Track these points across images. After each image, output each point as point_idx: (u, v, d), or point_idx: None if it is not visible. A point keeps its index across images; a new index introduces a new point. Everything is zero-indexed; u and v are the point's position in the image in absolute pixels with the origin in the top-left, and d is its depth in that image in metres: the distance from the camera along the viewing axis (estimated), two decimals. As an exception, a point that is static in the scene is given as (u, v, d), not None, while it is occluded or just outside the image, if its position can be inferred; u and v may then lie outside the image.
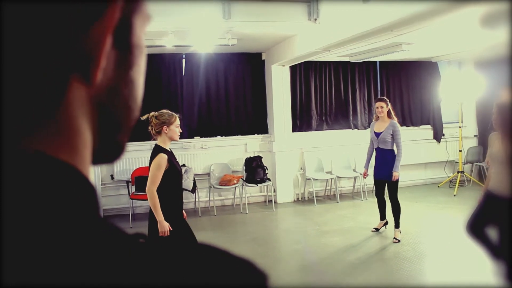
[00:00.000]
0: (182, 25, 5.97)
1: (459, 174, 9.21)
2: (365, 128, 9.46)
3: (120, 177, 7.98)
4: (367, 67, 9.62)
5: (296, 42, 7.06)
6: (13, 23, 0.35)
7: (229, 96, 8.71)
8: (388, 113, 6.12)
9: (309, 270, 5.20)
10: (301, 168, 9.09)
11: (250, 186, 8.25)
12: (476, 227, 4.29)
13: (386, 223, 6.44)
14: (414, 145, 9.39)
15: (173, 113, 4.11)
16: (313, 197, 8.71)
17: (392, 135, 6.05)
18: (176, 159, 4.09)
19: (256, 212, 8.11)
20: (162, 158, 3.84)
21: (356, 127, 9.52)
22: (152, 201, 3.79)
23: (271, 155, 8.78)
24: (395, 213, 6.07)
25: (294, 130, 9.02)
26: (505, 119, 4.02)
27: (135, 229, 4.42)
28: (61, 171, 0.38)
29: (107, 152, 0.50)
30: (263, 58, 8.90)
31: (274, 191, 8.69)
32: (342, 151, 9.10)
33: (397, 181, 6.02)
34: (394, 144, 6.07)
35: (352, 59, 8.69)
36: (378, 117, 6.22)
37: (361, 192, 8.79)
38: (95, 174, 7.52)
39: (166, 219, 3.81)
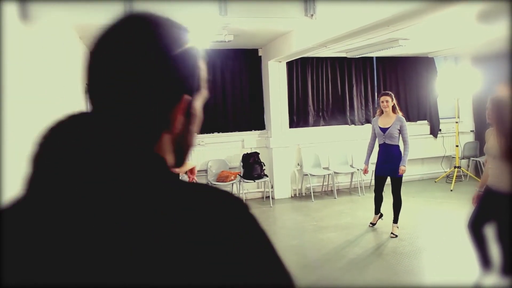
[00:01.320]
0: (178, 21, 5.95)
1: (456, 169, 9.23)
2: (362, 124, 9.48)
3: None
4: (364, 62, 9.62)
5: (292, 38, 7.06)
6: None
7: (226, 92, 8.70)
8: (393, 107, 6.08)
9: (307, 266, 5.21)
10: (298, 164, 9.10)
11: (247, 182, 8.26)
12: (476, 225, 4.31)
13: (381, 215, 6.49)
14: (411, 140, 9.27)
15: None
16: (310, 192, 8.72)
17: (399, 130, 6.02)
18: None
19: (253, 208, 7.87)
20: None
21: (353, 122, 9.53)
22: None
23: (268, 151, 8.78)
24: (396, 208, 6.08)
25: (291, 126, 9.02)
26: (500, 114, 4.03)
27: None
28: (164, 163, 0.77)
29: (177, 164, 0.87)
30: (260, 54, 8.89)
31: (272, 187, 8.70)
32: (339, 147, 9.11)
33: (401, 176, 6.01)
34: (399, 139, 6.05)
35: (349, 55, 8.69)
36: (382, 112, 6.15)
37: (358, 187, 8.80)
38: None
39: None
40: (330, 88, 9.39)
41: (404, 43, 7.12)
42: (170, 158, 0.83)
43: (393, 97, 6.13)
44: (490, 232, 4.21)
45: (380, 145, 6.18)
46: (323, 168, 9.00)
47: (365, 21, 4.89)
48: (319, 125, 9.30)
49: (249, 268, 0.73)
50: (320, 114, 9.34)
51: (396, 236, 5.98)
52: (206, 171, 8.41)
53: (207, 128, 8.57)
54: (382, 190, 6.31)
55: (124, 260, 0.65)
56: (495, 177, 4.13)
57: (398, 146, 6.06)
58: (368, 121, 9.64)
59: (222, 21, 5.97)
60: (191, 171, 4.13)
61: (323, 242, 6.02)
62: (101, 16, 5.48)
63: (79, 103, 6.28)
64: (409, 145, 6.03)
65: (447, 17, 5.21)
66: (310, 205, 8.24)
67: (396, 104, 6.13)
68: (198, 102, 0.89)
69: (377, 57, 9.65)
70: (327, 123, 9.30)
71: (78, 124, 0.84)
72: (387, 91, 6.45)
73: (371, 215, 6.67)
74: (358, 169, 8.71)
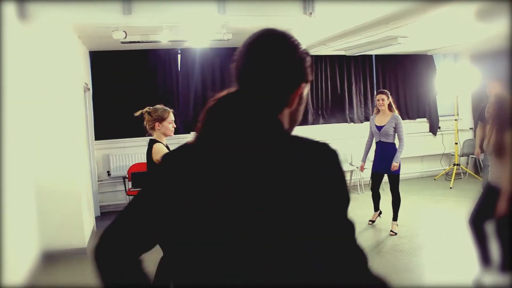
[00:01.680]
0: (177, 20, 5.95)
1: (455, 166, 9.24)
2: (361, 122, 9.47)
3: (116, 174, 7.97)
4: (363, 60, 9.61)
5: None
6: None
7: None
8: (389, 106, 6.08)
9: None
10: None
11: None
12: (477, 221, 4.31)
13: (380, 212, 6.53)
14: (410, 138, 9.37)
15: (167, 108, 4.11)
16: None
17: (394, 128, 6.04)
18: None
19: None
20: (159, 145, 3.89)
21: (352, 120, 9.53)
22: None
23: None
24: (395, 205, 6.10)
25: (290, 124, 9.00)
26: (502, 111, 4.03)
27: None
28: (282, 126, 1.25)
29: (289, 131, 1.29)
30: (259, 52, 8.86)
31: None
32: (339, 145, 8.97)
33: (398, 173, 6.03)
34: (395, 137, 6.07)
35: (348, 53, 8.69)
36: (379, 110, 6.16)
37: (358, 185, 8.80)
38: (91, 170, 7.51)
39: None
40: (329, 86, 9.38)
41: (403, 40, 7.12)
42: (285, 125, 1.28)
43: (389, 95, 6.12)
44: (490, 229, 4.21)
45: (376, 143, 6.21)
46: (323, 166, 8.98)
47: (364, 19, 4.90)
48: (318, 123, 9.30)
49: (327, 198, 1.18)
50: (319, 112, 9.34)
51: (396, 233, 5.98)
52: (205, 169, 8.39)
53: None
54: (378, 187, 6.35)
55: (280, 177, 1.14)
56: (493, 174, 4.14)
57: (394, 144, 6.08)
58: (367, 119, 9.63)
59: (221, 20, 5.97)
60: None
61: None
62: (99, 15, 5.48)
63: (77, 100, 6.28)
64: (404, 143, 6.02)
65: (446, 15, 5.21)
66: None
67: (392, 102, 6.12)
68: (306, 90, 1.30)
69: (376, 55, 9.65)
70: (326, 121, 9.30)
71: (234, 98, 1.30)
72: (382, 90, 6.46)
73: (370, 212, 6.67)
74: (357, 167, 8.71)
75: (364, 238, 5.92)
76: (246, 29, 7.07)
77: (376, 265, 4.88)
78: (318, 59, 9.21)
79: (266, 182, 1.14)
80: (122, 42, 6.72)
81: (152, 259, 1.77)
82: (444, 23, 6.29)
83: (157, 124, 4.00)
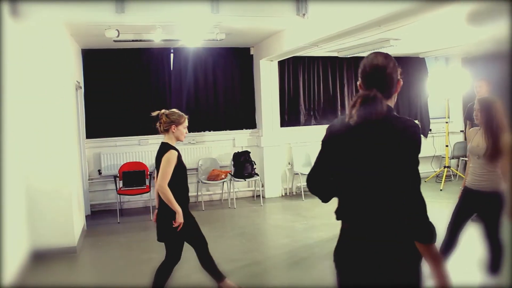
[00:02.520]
0: (170, 20, 5.94)
1: (446, 169, 9.29)
2: (353, 123, 9.49)
3: (107, 172, 7.94)
4: (356, 62, 9.62)
5: (284, 37, 7.06)
6: None
7: (218, 91, 8.69)
8: None
9: (297, 264, 5.22)
10: (289, 163, 9.11)
11: (238, 181, 8.26)
12: (455, 225, 4.33)
13: None
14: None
15: (183, 114, 4.17)
16: (301, 192, 8.74)
17: None
18: (181, 156, 4.09)
19: (244, 207, 8.12)
20: (172, 154, 3.92)
21: (344, 122, 9.55)
22: (166, 195, 3.86)
23: (259, 150, 8.79)
24: None
25: (282, 125, 9.03)
26: (488, 115, 4.05)
27: (122, 225, 4.43)
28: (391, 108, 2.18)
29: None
30: (252, 53, 8.88)
31: (262, 186, 8.71)
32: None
33: None
34: None
35: (341, 55, 8.71)
36: None
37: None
38: (82, 169, 7.48)
39: (174, 214, 3.90)
40: (321, 87, 9.40)
41: (395, 43, 7.14)
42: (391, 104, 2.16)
43: None
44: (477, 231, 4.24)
45: None
46: (314, 167, 9.01)
47: (356, 21, 4.90)
48: (310, 124, 9.31)
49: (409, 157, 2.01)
50: (312, 113, 9.35)
51: None
52: (196, 169, 8.40)
53: (199, 126, 8.56)
54: None
55: (391, 138, 2.04)
56: (477, 176, 4.13)
57: None
58: (359, 120, 9.65)
59: (214, 20, 5.97)
60: None
61: (314, 241, 6.03)
62: (92, 14, 5.46)
63: (68, 98, 6.25)
64: None
65: (438, 18, 5.24)
66: (301, 204, 8.25)
67: None
68: (400, 84, 2.20)
69: (368, 57, 9.67)
70: (318, 122, 9.32)
71: (369, 94, 2.08)
72: None
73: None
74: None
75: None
76: (239, 29, 7.13)
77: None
78: (310, 60, 9.22)
79: (385, 140, 2.04)
80: (115, 41, 6.70)
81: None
82: (436, 26, 6.32)
83: (173, 126, 4.03)
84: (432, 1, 4.01)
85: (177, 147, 4.03)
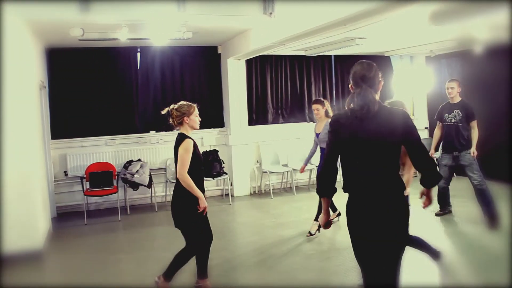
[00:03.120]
0: (136, 18, 5.89)
1: (411, 165, 9.44)
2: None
3: (74, 173, 7.82)
4: (322, 61, 9.74)
5: (251, 36, 7.08)
6: None
7: (185, 89, 8.65)
8: (326, 112, 6.03)
9: (266, 261, 5.25)
10: (257, 161, 9.14)
11: (206, 180, 8.22)
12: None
13: (339, 214, 6.28)
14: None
15: (191, 103, 4.34)
16: (269, 190, 8.79)
17: None
18: (197, 146, 4.24)
19: (213, 205, 8.11)
20: (188, 142, 4.09)
21: (311, 120, 9.62)
22: (187, 182, 4.00)
23: (227, 149, 8.79)
24: (332, 207, 6.16)
25: (250, 123, 9.05)
26: None
27: (89, 226, 4.39)
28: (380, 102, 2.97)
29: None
30: (219, 51, 8.87)
31: (231, 185, 8.71)
32: (298, 144, 9.17)
33: None
34: None
35: (308, 53, 8.77)
36: None
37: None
38: (48, 170, 7.34)
39: (191, 203, 4.03)
40: (289, 85, 9.46)
41: (361, 42, 7.23)
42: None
43: (324, 103, 6.05)
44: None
45: (320, 149, 6.10)
46: (282, 165, 9.08)
47: (322, 20, 4.96)
48: (278, 123, 9.36)
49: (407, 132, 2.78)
50: (279, 111, 9.41)
51: (312, 234, 6.02)
52: (165, 169, 8.35)
53: (165, 126, 8.47)
54: None
55: (385, 124, 2.76)
56: None
57: None
58: (326, 118, 9.75)
59: (180, 18, 5.94)
60: None
61: (282, 238, 6.07)
62: (55, 12, 5.35)
63: (30, 98, 6.13)
64: None
65: (402, 17, 5.34)
66: (269, 202, 8.29)
67: (329, 109, 6.09)
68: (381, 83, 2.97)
69: (335, 56, 9.79)
70: (286, 121, 9.38)
71: (363, 91, 2.82)
72: (317, 99, 6.28)
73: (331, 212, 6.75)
74: (316, 166, 8.82)
75: (322, 236, 5.99)
76: (206, 28, 7.11)
77: (334, 262, 4.96)
78: (278, 59, 9.28)
79: (380, 127, 2.72)
80: (80, 40, 6.60)
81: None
82: (401, 25, 6.43)
83: (185, 118, 4.23)
84: (395, 1, 4.09)
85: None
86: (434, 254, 4.53)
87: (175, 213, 4.18)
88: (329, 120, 5.65)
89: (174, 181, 7.92)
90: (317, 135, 6.14)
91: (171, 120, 4.29)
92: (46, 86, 7.59)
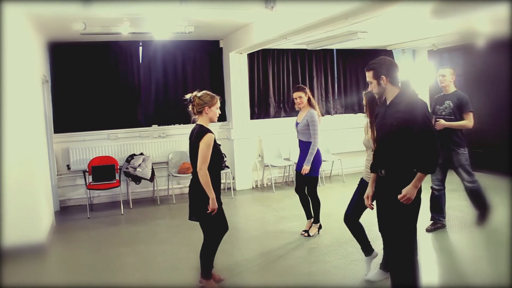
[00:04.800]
0: (137, 12, 5.89)
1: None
2: (323, 115, 9.49)
3: (76, 167, 7.84)
4: (324, 55, 9.72)
5: (253, 30, 7.07)
6: None
7: (187, 83, 8.65)
8: (309, 101, 5.71)
9: (268, 255, 5.27)
10: (259, 155, 9.15)
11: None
12: (351, 218, 4.44)
13: (320, 227, 5.92)
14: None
15: (214, 95, 4.18)
16: (271, 183, 8.80)
17: (308, 125, 5.61)
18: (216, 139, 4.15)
19: None
20: (211, 137, 3.99)
21: (313, 114, 9.64)
22: (205, 179, 3.95)
23: (229, 143, 8.80)
24: (314, 208, 5.82)
25: (252, 117, 9.06)
26: (372, 108, 4.04)
27: (92, 220, 4.41)
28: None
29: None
30: (221, 45, 8.87)
31: (233, 178, 8.73)
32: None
33: (315, 176, 5.71)
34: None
35: (309, 47, 8.77)
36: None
37: (319, 178, 8.91)
38: (50, 164, 7.37)
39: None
40: (291, 79, 9.46)
41: (363, 35, 7.23)
42: None
43: (306, 90, 5.72)
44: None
45: (299, 141, 5.85)
46: (284, 159, 9.09)
47: (324, 14, 4.95)
48: (280, 117, 9.36)
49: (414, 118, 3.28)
50: (281, 105, 9.41)
51: (309, 235, 5.81)
52: (167, 163, 8.37)
53: (168, 119, 8.53)
54: (301, 188, 5.84)
55: (400, 111, 3.36)
56: (368, 168, 4.11)
57: (308, 143, 5.64)
58: (328, 112, 9.77)
59: (182, 12, 5.93)
60: None
61: (284, 232, 6.09)
62: (57, 6, 5.35)
63: (33, 92, 6.15)
64: (317, 143, 5.58)
65: (404, 11, 5.33)
66: (272, 195, 8.31)
67: (311, 97, 5.77)
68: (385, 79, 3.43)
69: (337, 50, 9.77)
70: (288, 115, 9.37)
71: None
72: (298, 86, 5.90)
73: (331, 204, 6.77)
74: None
75: (324, 229, 5.99)
76: (208, 22, 7.10)
77: (336, 255, 4.96)
78: (280, 52, 9.27)
79: (396, 113, 3.33)
80: (82, 34, 6.60)
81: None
82: (403, 19, 6.42)
83: (206, 108, 4.09)
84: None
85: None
86: (367, 249, 4.50)
87: (194, 205, 4.15)
88: (312, 109, 5.63)
89: (177, 175, 8.02)
90: (296, 124, 5.84)
91: (191, 107, 4.13)
92: (48, 81, 7.60)
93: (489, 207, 5.72)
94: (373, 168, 3.62)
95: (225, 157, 8.43)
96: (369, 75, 3.48)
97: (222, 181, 8.74)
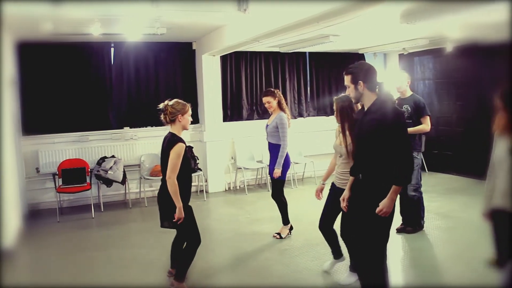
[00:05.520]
0: (108, 12, 5.82)
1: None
2: (295, 118, 9.63)
3: (46, 170, 7.71)
4: (297, 57, 9.79)
5: (226, 32, 7.07)
6: None
7: (159, 86, 8.60)
8: (279, 104, 5.80)
9: (240, 257, 5.27)
10: (232, 158, 9.15)
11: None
12: (326, 224, 4.50)
13: (291, 228, 6.01)
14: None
15: (186, 103, 4.25)
16: (244, 186, 8.81)
17: (277, 128, 5.69)
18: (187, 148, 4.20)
19: None
20: (181, 147, 4.04)
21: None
22: (173, 188, 3.99)
23: (202, 145, 8.77)
24: (282, 210, 5.89)
25: (225, 119, 9.05)
26: (343, 113, 4.15)
27: (62, 224, 4.35)
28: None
29: None
30: (194, 47, 8.84)
31: (206, 181, 8.71)
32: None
33: (282, 179, 5.76)
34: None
35: (282, 50, 8.81)
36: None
37: (291, 180, 8.96)
38: (19, 167, 7.22)
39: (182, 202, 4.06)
40: (264, 82, 9.48)
41: (335, 39, 7.30)
42: None
43: (276, 94, 5.80)
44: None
45: (268, 144, 5.93)
46: (257, 161, 9.10)
47: (296, 17, 4.98)
48: (252, 119, 9.38)
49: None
50: (254, 108, 9.42)
51: (281, 237, 5.87)
52: (139, 165, 8.29)
53: (140, 122, 8.45)
54: (276, 193, 5.89)
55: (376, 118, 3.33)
56: (340, 175, 4.24)
57: (277, 146, 5.72)
58: (301, 115, 9.83)
59: (154, 13, 5.89)
60: None
61: (257, 234, 6.10)
62: (25, 6, 5.26)
63: (1, 93, 6.03)
64: (286, 146, 5.65)
65: (374, 15, 5.40)
66: (244, 198, 8.31)
67: (281, 100, 5.83)
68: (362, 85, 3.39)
69: (309, 53, 9.85)
70: (260, 117, 9.39)
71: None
72: (268, 90, 6.00)
73: (303, 207, 6.80)
74: (292, 162, 8.87)
75: (296, 231, 6.02)
76: (181, 24, 7.06)
77: (307, 257, 4.99)
78: (253, 55, 9.29)
79: (372, 120, 3.32)
80: (52, 35, 6.50)
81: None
82: (374, 23, 6.50)
83: (179, 116, 4.14)
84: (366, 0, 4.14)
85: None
86: (337, 253, 4.62)
87: (163, 212, 4.21)
88: (282, 112, 5.73)
89: (149, 177, 7.95)
90: (267, 126, 5.92)
91: (163, 116, 4.17)
92: (17, 82, 7.46)
93: (420, 221, 5.87)
94: (352, 171, 3.61)
95: (198, 159, 8.43)
96: (347, 79, 3.44)
97: (194, 184, 8.81)
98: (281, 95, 5.88)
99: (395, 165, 3.21)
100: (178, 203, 3.99)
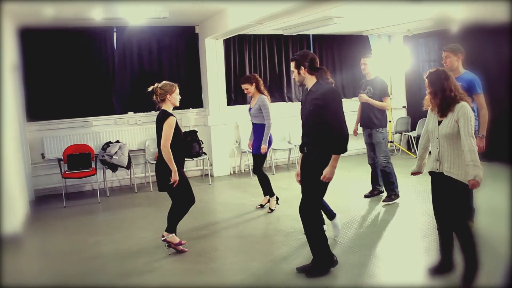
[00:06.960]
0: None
1: (389, 143, 9.56)
2: (299, 101, 9.54)
3: (51, 156, 7.73)
4: (301, 40, 9.72)
5: (229, 15, 7.02)
6: None
7: (163, 70, 8.57)
8: (257, 88, 6.25)
9: (245, 240, 5.29)
10: (236, 141, 9.15)
11: (186, 160, 8.21)
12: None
13: (277, 199, 6.54)
14: (346, 116, 9.60)
15: (173, 83, 4.85)
16: (249, 169, 8.80)
17: (260, 109, 6.17)
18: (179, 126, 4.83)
19: (192, 186, 7.94)
20: (172, 119, 4.66)
21: (290, 99, 9.66)
22: (167, 155, 4.60)
23: (206, 129, 8.77)
24: (264, 183, 6.42)
25: (229, 103, 9.03)
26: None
27: (68, 209, 4.34)
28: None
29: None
30: (197, 31, 8.79)
31: (210, 165, 8.72)
32: (277, 124, 9.15)
33: (263, 155, 6.28)
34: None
35: (286, 32, 8.75)
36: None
37: (296, 163, 8.95)
38: (24, 153, 7.24)
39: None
40: (267, 65, 9.44)
41: (339, 21, 7.24)
42: None
43: (253, 79, 6.24)
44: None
45: (252, 124, 6.44)
46: (262, 145, 9.09)
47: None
48: (257, 102, 9.34)
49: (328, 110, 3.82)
50: (258, 91, 9.38)
51: (271, 210, 6.35)
52: (144, 150, 8.30)
53: (144, 106, 8.44)
54: (258, 167, 6.39)
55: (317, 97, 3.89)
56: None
57: (261, 125, 6.21)
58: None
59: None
60: None
61: (262, 217, 6.12)
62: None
63: (5, 80, 6.02)
64: (270, 125, 6.14)
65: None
66: (249, 181, 8.32)
67: (260, 85, 6.26)
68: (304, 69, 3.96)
69: (313, 35, 9.77)
70: (265, 100, 9.34)
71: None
72: (245, 76, 6.47)
73: (292, 192, 6.78)
74: (295, 145, 8.87)
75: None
76: (183, 8, 7.01)
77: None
78: (256, 38, 9.23)
79: (313, 99, 3.88)
80: (54, 19, 6.47)
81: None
82: (378, 4, 6.44)
83: (168, 95, 4.76)
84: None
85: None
86: (330, 214, 5.14)
87: (160, 178, 4.78)
88: (262, 95, 6.19)
89: (153, 162, 7.95)
90: (249, 109, 6.41)
91: (154, 97, 4.79)
92: (20, 68, 7.44)
93: (395, 189, 6.44)
94: (300, 147, 4.18)
95: (202, 143, 8.43)
96: (292, 65, 4.04)
97: (199, 168, 8.82)
98: (258, 79, 6.32)
99: (331, 137, 3.80)
100: (173, 167, 4.59)
